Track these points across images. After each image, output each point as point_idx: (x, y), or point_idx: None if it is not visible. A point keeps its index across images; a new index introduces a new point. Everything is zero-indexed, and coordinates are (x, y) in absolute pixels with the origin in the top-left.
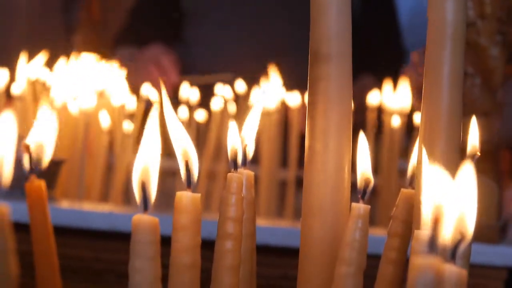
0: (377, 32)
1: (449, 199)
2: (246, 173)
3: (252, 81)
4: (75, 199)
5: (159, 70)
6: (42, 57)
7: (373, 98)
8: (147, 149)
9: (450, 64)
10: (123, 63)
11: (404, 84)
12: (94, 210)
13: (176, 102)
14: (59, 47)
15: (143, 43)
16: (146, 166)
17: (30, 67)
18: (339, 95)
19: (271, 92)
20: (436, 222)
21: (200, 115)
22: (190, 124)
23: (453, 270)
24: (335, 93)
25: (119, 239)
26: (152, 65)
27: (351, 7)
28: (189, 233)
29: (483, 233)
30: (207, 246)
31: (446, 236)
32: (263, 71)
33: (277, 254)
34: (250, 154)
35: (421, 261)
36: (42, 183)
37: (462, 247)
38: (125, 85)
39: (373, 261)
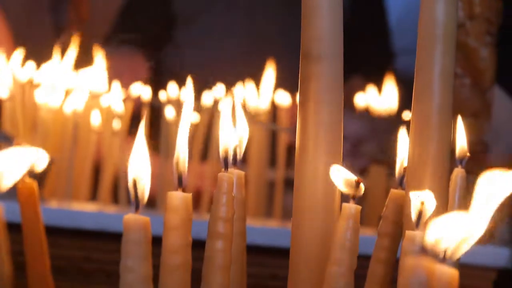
0: (367, 33)
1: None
2: (236, 173)
3: (241, 82)
4: (63, 199)
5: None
6: (30, 57)
7: (360, 99)
8: (140, 149)
9: (440, 64)
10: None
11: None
12: (82, 210)
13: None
14: (47, 46)
15: (132, 44)
16: (139, 165)
17: (18, 67)
18: (330, 95)
19: (261, 92)
20: (427, 223)
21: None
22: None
23: (444, 271)
24: (326, 93)
25: (108, 239)
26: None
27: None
28: (180, 232)
29: None
30: (197, 246)
31: (439, 237)
32: (253, 72)
33: (266, 254)
34: (241, 154)
35: (413, 262)
36: (34, 183)
37: (455, 248)
38: (114, 85)
39: (363, 261)
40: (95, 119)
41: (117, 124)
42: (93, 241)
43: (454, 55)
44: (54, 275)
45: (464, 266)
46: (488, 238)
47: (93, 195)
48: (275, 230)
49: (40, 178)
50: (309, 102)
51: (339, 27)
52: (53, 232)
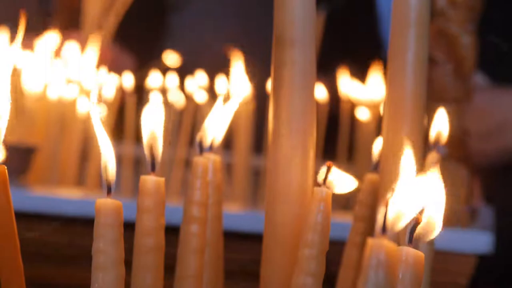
0: (357, 24)
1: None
2: (212, 158)
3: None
4: (51, 185)
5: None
6: (14, 41)
7: (346, 89)
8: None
9: (414, 48)
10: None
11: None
12: (67, 196)
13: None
14: (35, 33)
15: (126, 31)
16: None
17: (2, 52)
18: (303, 80)
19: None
20: (387, 204)
21: (176, 100)
22: (165, 110)
23: (410, 253)
24: (299, 78)
25: (92, 225)
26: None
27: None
28: (153, 215)
29: (452, 218)
30: (176, 232)
31: (395, 218)
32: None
33: (250, 240)
34: (216, 139)
35: (372, 242)
36: (2, 167)
37: (420, 230)
38: (101, 71)
39: (340, 246)
40: (82, 106)
41: (104, 111)
42: (78, 227)
43: (427, 38)
44: (38, 261)
45: (444, 252)
46: (469, 222)
47: (81, 182)
48: (259, 216)
49: (22, 165)
50: (281, 87)
51: (312, 11)
52: (37, 218)
